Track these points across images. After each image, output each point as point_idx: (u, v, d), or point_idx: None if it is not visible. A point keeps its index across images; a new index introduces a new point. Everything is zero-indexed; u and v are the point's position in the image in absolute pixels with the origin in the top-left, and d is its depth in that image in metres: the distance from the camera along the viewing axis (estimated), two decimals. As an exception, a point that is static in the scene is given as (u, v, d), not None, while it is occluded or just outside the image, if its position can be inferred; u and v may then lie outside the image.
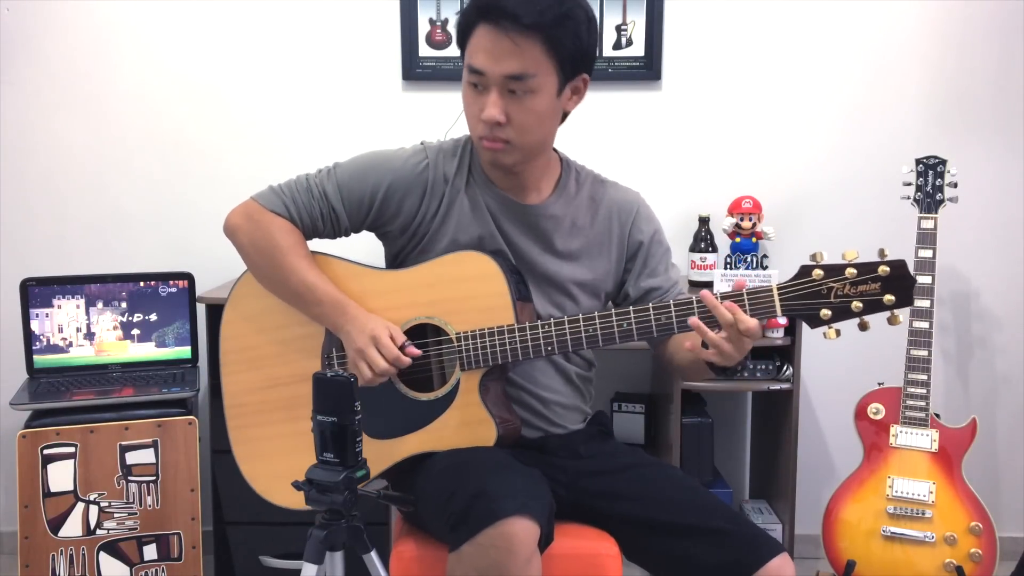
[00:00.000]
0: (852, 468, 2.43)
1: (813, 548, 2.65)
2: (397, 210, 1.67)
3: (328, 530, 1.41)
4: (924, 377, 2.35)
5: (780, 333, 2.43)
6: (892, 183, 2.45)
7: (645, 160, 2.72)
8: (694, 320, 1.46)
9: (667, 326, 1.51)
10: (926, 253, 2.34)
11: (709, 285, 2.49)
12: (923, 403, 2.36)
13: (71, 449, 2.26)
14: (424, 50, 2.68)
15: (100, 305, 2.48)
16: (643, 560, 1.62)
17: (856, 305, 1.42)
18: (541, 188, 1.69)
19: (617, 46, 2.68)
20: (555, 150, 1.73)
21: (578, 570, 1.59)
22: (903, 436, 2.38)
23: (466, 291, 1.61)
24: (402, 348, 1.57)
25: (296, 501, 1.43)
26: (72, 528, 2.27)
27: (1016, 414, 2.80)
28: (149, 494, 2.30)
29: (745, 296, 1.46)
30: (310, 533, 1.42)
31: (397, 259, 1.73)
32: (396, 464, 1.63)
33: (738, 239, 2.57)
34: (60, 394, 2.33)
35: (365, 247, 1.84)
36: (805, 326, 2.38)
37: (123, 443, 2.28)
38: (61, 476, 2.26)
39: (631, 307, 1.53)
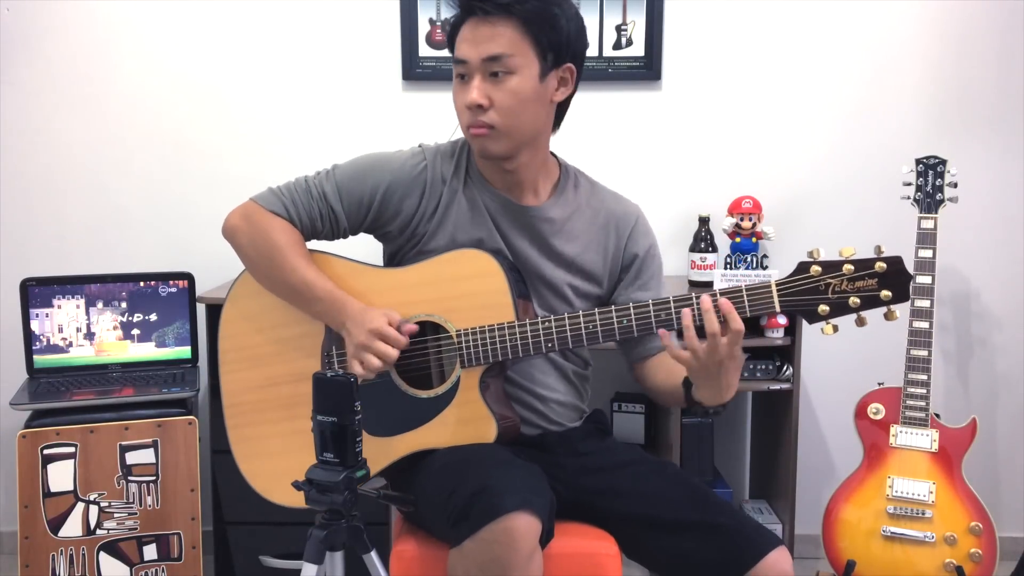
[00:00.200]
0: (852, 468, 2.43)
1: (813, 548, 2.65)
2: (396, 211, 1.67)
3: (328, 530, 1.41)
4: (924, 377, 2.35)
5: (780, 333, 2.43)
6: (892, 183, 2.45)
7: (645, 160, 2.72)
8: (686, 317, 1.46)
9: (666, 322, 1.52)
10: (926, 253, 2.34)
11: (709, 285, 2.49)
12: (923, 403, 2.36)
13: (71, 449, 2.26)
14: (424, 50, 2.68)
15: (100, 305, 2.48)
16: (642, 557, 1.63)
17: (854, 301, 1.44)
18: (539, 190, 1.70)
19: (617, 46, 2.68)
20: (554, 155, 1.74)
21: (578, 570, 1.59)
22: (903, 436, 2.38)
23: (466, 289, 1.61)
24: (399, 328, 1.58)
25: (296, 500, 1.43)
26: (72, 528, 2.27)
27: (1016, 414, 2.80)
28: (149, 494, 2.30)
29: (744, 292, 1.47)
30: (310, 533, 1.43)
31: (395, 259, 1.74)
32: (396, 461, 1.64)
33: (738, 239, 2.57)
34: (60, 394, 2.33)
35: (364, 246, 1.84)
36: (805, 326, 2.40)
37: (123, 443, 2.28)
38: (61, 476, 2.26)
39: (630, 304, 1.54)
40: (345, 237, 1.73)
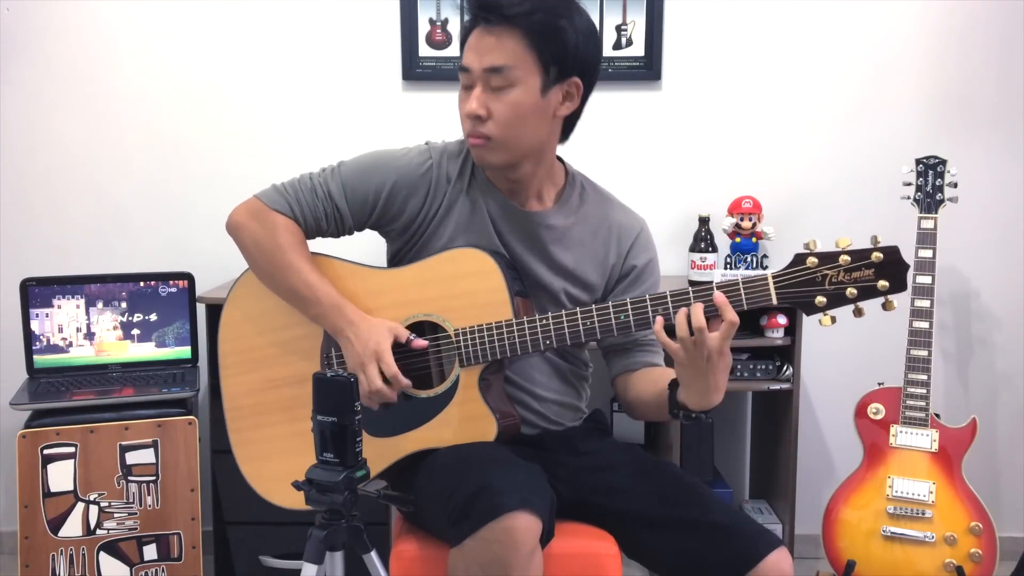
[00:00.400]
0: (852, 468, 2.43)
1: (813, 548, 2.65)
2: (400, 209, 1.67)
3: (328, 530, 1.41)
4: (924, 377, 2.35)
5: (780, 333, 2.43)
6: (892, 183, 2.45)
7: (645, 160, 2.72)
8: (697, 310, 1.44)
9: (664, 317, 1.49)
10: (926, 253, 2.34)
11: (709, 285, 2.49)
12: (923, 403, 2.36)
13: (71, 449, 2.26)
14: (424, 50, 2.68)
15: (100, 305, 2.48)
16: (642, 557, 1.63)
17: (851, 291, 1.43)
18: (543, 196, 1.69)
19: (617, 46, 2.68)
20: (561, 161, 1.73)
21: (578, 570, 1.59)
22: (903, 436, 2.38)
23: (464, 288, 1.61)
24: (408, 341, 1.58)
25: (297, 501, 1.43)
26: (72, 528, 2.27)
27: (1016, 414, 2.80)
28: (149, 494, 2.30)
29: (741, 285, 1.46)
30: (310, 533, 1.43)
31: (396, 257, 1.74)
32: (397, 462, 1.63)
33: (738, 239, 2.57)
34: (60, 394, 2.33)
35: (364, 246, 1.84)
36: (805, 326, 2.40)
37: (123, 443, 2.28)
38: (61, 476, 2.26)
39: (628, 298, 1.53)
40: (350, 234, 1.73)
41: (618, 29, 2.67)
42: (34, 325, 2.45)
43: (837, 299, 1.44)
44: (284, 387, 1.70)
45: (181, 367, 2.51)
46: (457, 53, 2.67)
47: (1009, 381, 2.79)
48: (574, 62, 1.56)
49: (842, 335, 2.60)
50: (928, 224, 2.35)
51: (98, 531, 2.28)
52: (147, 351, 2.51)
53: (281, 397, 1.70)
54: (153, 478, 2.30)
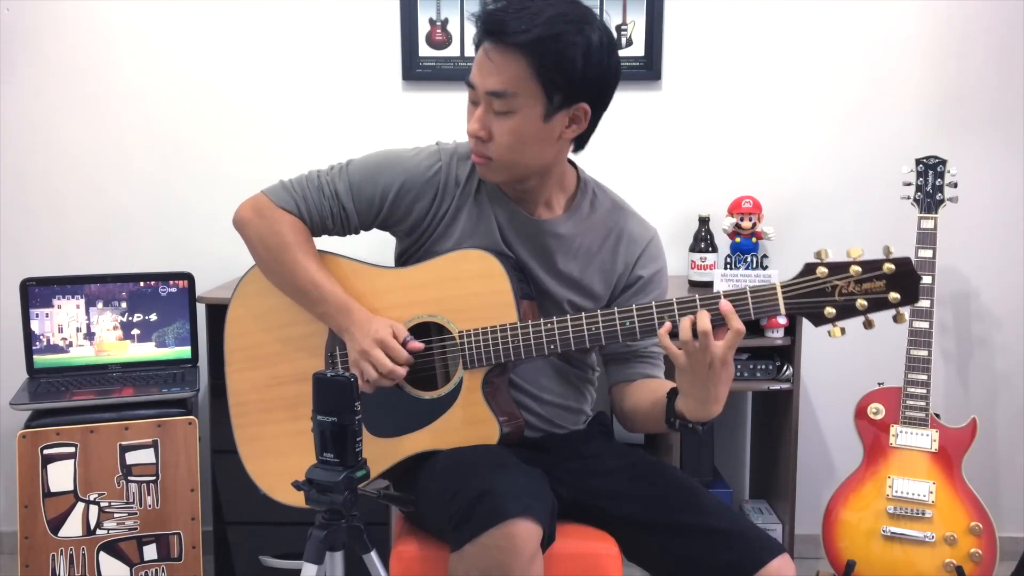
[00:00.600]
0: (852, 468, 2.43)
1: (813, 548, 2.65)
2: (407, 211, 1.66)
3: (328, 530, 1.41)
4: (924, 377, 2.35)
5: (780, 333, 2.43)
6: (892, 183, 2.45)
7: (645, 160, 2.72)
8: (686, 320, 1.43)
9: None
10: (926, 253, 2.34)
11: (709, 285, 2.49)
12: (923, 403, 2.36)
13: (71, 449, 2.26)
14: (424, 50, 2.68)
15: (100, 305, 2.48)
16: (643, 560, 1.62)
17: (861, 303, 1.40)
18: (552, 204, 1.68)
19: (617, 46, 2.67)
20: (574, 165, 1.71)
21: (578, 570, 1.59)
22: (903, 436, 2.38)
23: (469, 289, 1.60)
24: (404, 344, 1.57)
25: (300, 499, 1.43)
26: (72, 528, 2.27)
27: (1016, 414, 2.80)
28: (149, 494, 2.30)
29: (748, 294, 1.43)
30: (310, 533, 1.43)
31: (403, 256, 1.73)
32: (399, 463, 1.63)
33: (738, 239, 2.57)
34: (60, 394, 2.33)
35: (369, 245, 1.84)
36: (806, 326, 2.40)
37: (123, 443, 2.28)
38: (61, 476, 2.26)
39: (634, 305, 1.51)
40: (356, 233, 1.73)
41: (618, 29, 2.67)
42: (34, 325, 2.45)
43: (847, 310, 1.41)
44: (288, 384, 1.70)
45: (181, 367, 2.51)
46: (457, 53, 2.69)
47: (1009, 381, 2.79)
48: (582, 88, 1.51)
49: (844, 334, 2.59)
50: (928, 224, 2.35)
51: (98, 531, 2.28)
52: (147, 351, 2.51)
53: (285, 394, 1.70)
54: (153, 478, 2.30)
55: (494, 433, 1.58)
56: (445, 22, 2.67)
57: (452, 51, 2.68)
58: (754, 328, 2.45)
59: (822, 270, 1.41)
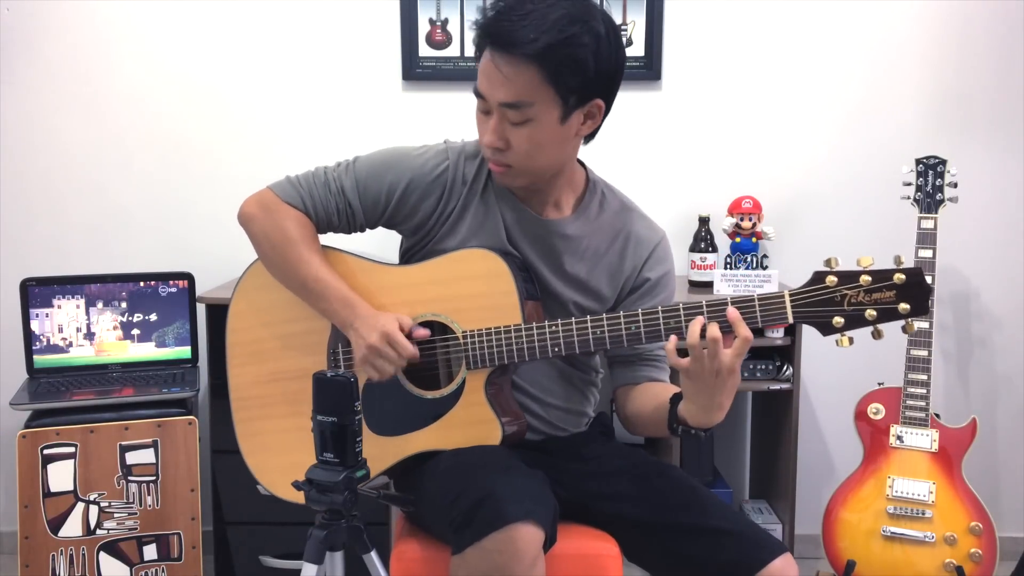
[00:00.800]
0: (852, 468, 2.43)
1: (813, 548, 2.65)
2: (413, 209, 1.66)
3: (328, 530, 1.41)
4: (924, 377, 2.35)
5: (780, 333, 2.43)
6: (892, 183, 2.46)
7: (645, 160, 2.72)
8: (695, 324, 1.43)
9: (676, 329, 1.46)
10: (926, 253, 2.34)
11: (709, 285, 2.49)
12: (923, 403, 2.36)
13: (71, 449, 2.26)
14: (424, 50, 2.68)
15: (100, 305, 2.48)
16: (644, 561, 1.62)
17: (870, 313, 1.38)
18: (561, 204, 1.67)
19: (617, 46, 2.68)
20: (583, 165, 1.70)
21: (579, 570, 1.59)
22: (903, 436, 2.38)
23: (474, 289, 1.59)
24: (410, 333, 1.57)
25: (300, 495, 1.42)
26: (72, 528, 2.27)
27: (1016, 414, 2.80)
28: (149, 494, 2.30)
29: (756, 302, 1.42)
30: (310, 533, 1.42)
31: (408, 254, 1.73)
32: (400, 461, 1.63)
33: (738, 239, 2.57)
34: (60, 394, 2.33)
35: (374, 242, 1.84)
36: (806, 325, 2.39)
37: (123, 443, 2.28)
38: (61, 476, 2.26)
39: (640, 309, 1.49)
40: (362, 231, 1.72)
41: (618, 29, 2.66)
42: (34, 325, 2.45)
43: (856, 320, 1.38)
44: (290, 380, 1.70)
45: (181, 367, 2.51)
46: (457, 53, 2.69)
47: (1009, 381, 2.79)
48: (595, 86, 1.50)
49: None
50: (928, 224, 2.35)
51: (98, 531, 2.28)
52: (147, 351, 2.51)
53: (287, 390, 1.70)
54: (153, 478, 2.30)
55: (496, 434, 1.57)
56: (445, 22, 2.67)
57: (452, 51, 2.68)
58: (754, 328, 2.44)
59: (831, 279, 1.39)
